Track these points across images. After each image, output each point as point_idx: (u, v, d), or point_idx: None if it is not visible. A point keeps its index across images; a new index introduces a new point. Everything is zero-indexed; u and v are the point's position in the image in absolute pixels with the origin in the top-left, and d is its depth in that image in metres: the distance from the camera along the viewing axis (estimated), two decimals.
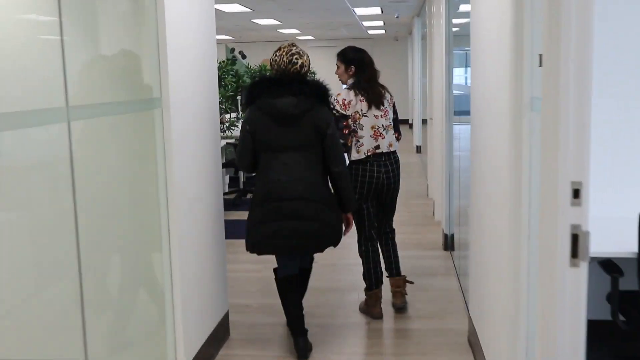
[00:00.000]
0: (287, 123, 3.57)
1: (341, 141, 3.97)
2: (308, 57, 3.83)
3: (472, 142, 3.91)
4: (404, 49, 19.27)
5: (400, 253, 4.58)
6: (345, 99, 4.13)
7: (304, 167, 3.61)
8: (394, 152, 4.30)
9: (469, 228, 4.04)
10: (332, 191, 3.78)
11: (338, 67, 4.31)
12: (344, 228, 3.88)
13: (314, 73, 14.81)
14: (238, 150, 3.73)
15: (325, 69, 20.38)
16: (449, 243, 5.95)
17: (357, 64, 4.23)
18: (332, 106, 3.99)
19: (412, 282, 4.59)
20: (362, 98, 4.14)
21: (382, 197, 4.31)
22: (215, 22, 3.95)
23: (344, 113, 4.11)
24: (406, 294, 4.49)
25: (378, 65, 4.35)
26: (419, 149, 12.89)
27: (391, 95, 4.32)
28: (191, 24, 3.47)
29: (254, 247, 3.70)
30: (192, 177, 3.46)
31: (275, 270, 3.91)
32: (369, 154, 4.16)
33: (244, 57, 20.65)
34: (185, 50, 3.35)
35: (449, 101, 5.92)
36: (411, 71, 17.84)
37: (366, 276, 4.34)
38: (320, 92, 3.66)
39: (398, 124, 4.35)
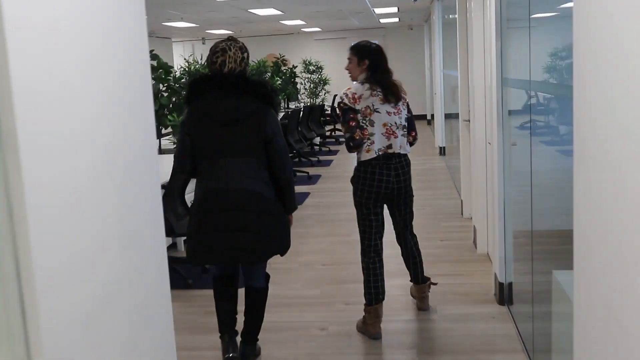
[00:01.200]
0: (226, 127, 3.34)
1: (347, 135, 3.85)
2: (240, 51, 3.43)
3: (578, 151, 2.31)
4: (419, 38, 17.68)
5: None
6: (355, 93, 3.90)
7: (244, 174, 3.37)
8: (405, 155, 4.01)
9: (576, 282, 2.45)
10: (275, 197, 3.51)
11: (350, 61, 4.04)
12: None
13: (321, 68, 13.41)
14: (176, 154, 3.50)
15: (334, 63, 18.95)
16: (505, 294, 4.37)
17: (372, 58, 3.98)
18: (340, 100, 3.93)
19: (435, 284, 4.47)
20: (375, 92, 3.90)
21: (395, 204, 4.09)
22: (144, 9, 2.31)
23: (352, 106, 3.88)
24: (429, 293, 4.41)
25: (391, 56, 4.11)
26: (442, 151, 11.32)
27: (405, 94, 4.05)
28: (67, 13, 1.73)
29: (192, 258, 3.49)
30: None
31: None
32: (380, 153, 3.89)
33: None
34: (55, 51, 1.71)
35: (500, 99, 4.33)
36: (429, 62, 16.30)
37: (365, 290, 4.05)
38: (266, 93, 3.39)
39: (414, 123, 4.11)
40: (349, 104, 3.89)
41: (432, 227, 6.42)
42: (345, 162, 11.41)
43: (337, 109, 4.01)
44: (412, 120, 4.09)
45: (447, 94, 10.48)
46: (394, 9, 13.10)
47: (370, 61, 3.97)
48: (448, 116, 10.41)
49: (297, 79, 13.53)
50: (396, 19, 15.69)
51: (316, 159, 11.52)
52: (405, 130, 3.99)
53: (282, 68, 13.26)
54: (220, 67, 3.39)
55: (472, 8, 5.68)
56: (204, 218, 3.40)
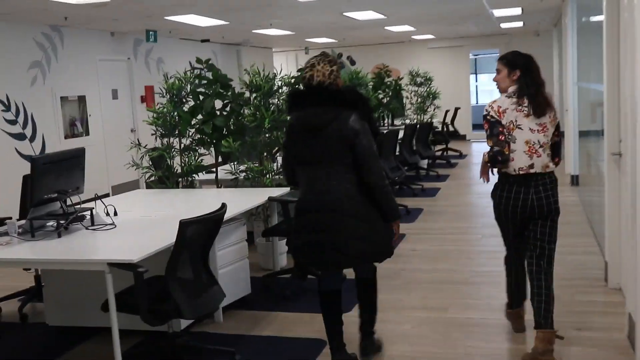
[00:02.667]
0: (313, 135, 3.55)
1: (496, 149, 3.72)
2: (327, 64, 3.58)
3: None
4: (547, 46, 15.50)
5: None
6: (500, 107, 3.77)
7: (330, 179, 3.53)
8: (550, 173, 3.79)
9: None
10: (370, 201, 3.57)
11: (499, 72, 3.88)
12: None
13: (430, 79, 11.71)
14: (281, 164, 4.17)
15: (448, 74, 17.13)
16: None
17: (523, 69, 3.79)
18: (486, 112, 3.80)
19: (562, 338, 3.80)
20: (520, 107, 3.73)
21: (534, 225, 3.80)
22: None
23: (498, 119, 3.74)
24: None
25: None
26: (574, 181, 9.30)
27: (555, 112, 3.80)
28: None
29: (294, 256, 3.86)
30: None
31: (318, 281, 3.90)
32: (520, 172, 3.73)
33: (352, 63, 17.95)
34: None
35: None
36: (558, 72, 14.11)
37: (508, 296, 4.16)
38: (346, 100, 3.53)
39: (560, 146, 3.87)
40: (495, 116, 3.76)
41: (561, 302, 4.44)
42: (457, 192, 9.66)
43: (484, 121, 3.84)
44: (558, 145, 3.85)
45: (583, 110, 8.51)
46: (517, 10, 11.16)
47: (521, 72, 3.80)
48: (584, 135, 8.43)
49: (402, 92, 11.85)
50: (520, 23, 13.67)
51: (420, 186, 9.75)
52: (549, 149, 3.78)
53: (386, 80, 11.63)
54: (309, 80, 3.58)
55: (627, 5, 3.87)
56: (299, 221, 3.66)
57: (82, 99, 10.09)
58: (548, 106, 3.75)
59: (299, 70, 6.46)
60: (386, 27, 12.68)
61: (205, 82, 6.06)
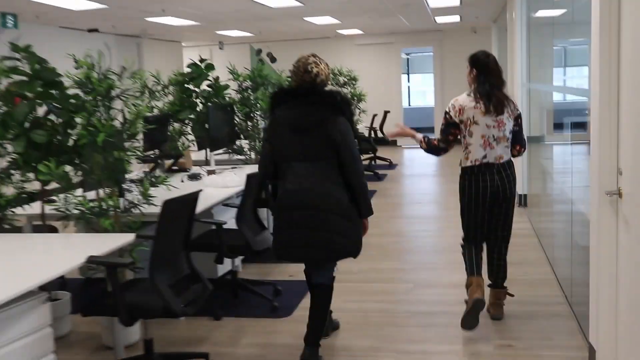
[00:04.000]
0: (300, 133, 3.64)
1: (442, 145, 4.20)
2: (327, 66, 3.82)
3: None
4: (486, 43, 14.10)
5: None
6: (461, 105, 4.11)
7: (317, 176, 3.64)
8: (506, 162, 4.15)
9: None
10: (349, 199, 3.69)
11: (467, 69, 4.21)
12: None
13: (354, 79, 10.13)
14: (260, 159, 3.93)
15: (378, 73, 15.52)
16: None
17: (479, 67, 4.12)
18: (447, 110, 4.19)
19: (512, 295, 4.43)
20: (478, 105, 4.07)
21: (495, 208, 4.21)
22: None
23: (455, 121, 4.12)
24: (504, 305, 4.39)
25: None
26: (523, 201, 7.81)
27: (515, 107, 4.18)
28: None
29: (275, 253, 3.83)
30: None
31: (305, 274, 3.95)
32: (476, 163, 4.11)
33: (273, 60, 16.07)
34: None
35: None
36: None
37: (467, 267, 4.26)
38: (334, 102, 3.66)
39: (522, 136, 4.26)
40: (453, 117, 4.14)
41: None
42: (385, 215, 7.93)
43: (443, 115, 4.21)
44: (519, 134, 4.21)
45: (534, 114, 7.10)
46: (455, 1, 9.65)
47: (477, 71, 4.11)
48: (534, 142, 6.96)
49: None
50: (456, 18, 12.21)
51: None
52: (508, 142, 4.14)
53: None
54: (316, 77, 3.70)
55: None
56: (282, 216, 3.72)
57: None
58: (504, 106, 4.08)
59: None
60: (305, 18, 10.99)
61: (26, 78, 4.19)
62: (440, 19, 12.21)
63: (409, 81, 17.75)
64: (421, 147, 4.28)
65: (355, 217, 3.72)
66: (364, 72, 13.26)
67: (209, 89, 6.80)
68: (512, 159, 4.22)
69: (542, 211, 6.78)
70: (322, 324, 3.84)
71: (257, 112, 6.87)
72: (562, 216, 5.31)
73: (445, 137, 4.16)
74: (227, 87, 6.91)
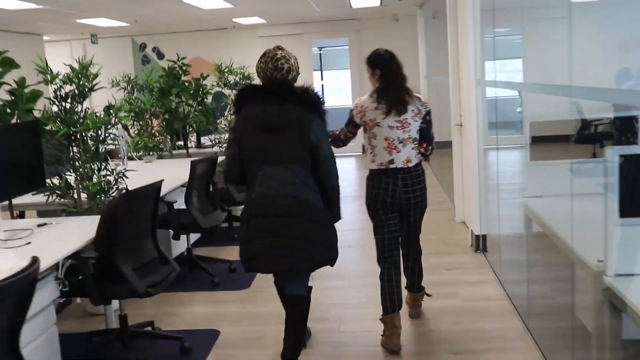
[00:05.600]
0: (272, 133, 3.43)
1: (342, 135, 4.05)
2: (296, 60, 3.61)
3: None
4: (410, 33, 12.11)
5: None
6: (362, 106, 3.96)
7: (290, 181, 3.41)
8: (414, 167, 3.95)
9: None
10: (323, 204, 3.53)
11: (367, 72, 4.05)
12: None
13: (248, 78, 7.83)
14: (226, 160, 3.62)
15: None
16: None
17: (383, 68, 3.95)
18: (352, 107, 4.00)
19: (430, 295, 4.44)
20: (378, 107, 3.90)
21: (402, 214, 4.03)
22: None
23: (356, 121, 3.99)
24: (421, 304, 4.42)
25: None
26: (480, 244, 5.73)
27: (423, 104, 3.96)
28: None
29: (244, 263, 3.55)
30: None
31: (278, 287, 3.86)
32: (381, 167, 3.94)
33: (160, 56, 13.67)
34: None
35: None
36: (425, 67, 10.75)
37: (381, 299, 3.97)
38: (310, 100, 3.48)
39: (429, 134, 4.01)
40: (355, 117, 3.98)
41: None
42: None
43: (348, 113, 4.05)
44: (425, 132, 3.98)
45: (497, 120, 5.07)
46: None
47: (381, 71, 3.94)
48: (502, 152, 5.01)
49: (209, 99, 7.72)
50: (376, 2, 10.01)
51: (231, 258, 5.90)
52: (414, 143, 3.94)
53: (182, 79, 7.49)
54: (287, 73, 3.49)
55: None
56: (252, 224, 3.45)
57: None
58: (406, 104, 3.87)
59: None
60: (188, 1, 8.52)
61: None
62: (356, 3, 9.99)
63: (322, 79, 15.47)
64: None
65: (331, 223, 3.55)
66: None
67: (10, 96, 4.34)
68: (421, 163, 4.04)
69: (513, 259, 4.87)
70: (301, 337, 3.71)
71: (95, 132, 4.43)
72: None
73: (345, 133, 4.07)
74: (39, 94, 4.45)
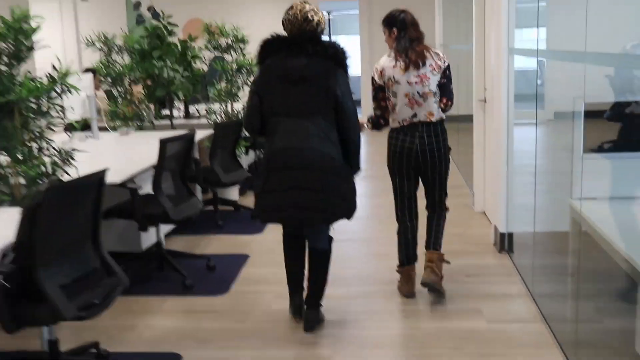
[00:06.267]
0: (296, 86, 3.40)
1: (377, 112, 3.98)
2: (323, 15, 3.54)
3: None
4: None
5: None
6: (380, 66, 3.93)
7: (312, 134, 3.38)
8: (438, 122, 3.90)
9: None
10: (345, 158, 3.53)
11: (384, 34, 3.98)
12: None
13: (242, 41, 6.97)
14: (245, 112, 3.60)
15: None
16: None
17: (399, 26, 3.89)
18: (372, 75, 3.99)
19: (448, 262, 4.15)
20: (395, 63, 3.86)
21: (423, 172, 3.99)
22: None
23: (380, 83, 3.94)
24: (440, 275, 4.01)
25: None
26: (506, 243, 4.85)
27: (441, 58, 3.90)
28: None
29: (259, 215, 3.56)
30: None
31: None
32: (404, 123, 3.89)
33: (156, 15, 12.75)
34: None
35: None
36: (442, 34, 9.81)
37: (399, 254, 4.10)
38: (336, 54, 3.45)
39: (449, 89, 3.92)
40: (378, 81, 3.94)
41: None
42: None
43: (371, 84, 4.02)
44: (445, 87, 3.91)
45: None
46: None
47: (398, 30, 3.88)
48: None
49: (198, 64, 6.77)
50: None
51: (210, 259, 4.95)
52: (436, 97, 3.87)
53: (168, 40, 6.56)
54: (317, 26, 3.47)
55: None
56: (271, 176, 3.44)
57: None
58: (424, 58, 3.82)
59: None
60: None
61: None
62: None
63: None
64: (368, 128, 4.08)
65: (350, 177, 3.57)
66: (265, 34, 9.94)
67: None
68: (443, 118, 3.95)
69: (549, 266, 4.04)
70: (323, 287, 3.70)
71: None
72: None
73: (377, 104, 4.00)
74: None
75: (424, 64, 3.82)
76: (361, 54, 12.11)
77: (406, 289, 4.06)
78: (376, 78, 3.94)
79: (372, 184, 7.26)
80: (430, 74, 3.84)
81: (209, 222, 5.87)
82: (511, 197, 4.79)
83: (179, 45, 6.59)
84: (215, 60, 6.51)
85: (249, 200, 6.50)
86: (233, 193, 6.59)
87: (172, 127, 6.67)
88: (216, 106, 6.69)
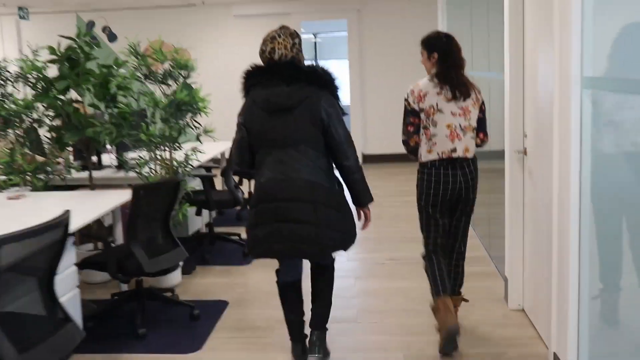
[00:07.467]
0: (280, 116, 3.32)
1: (404, 138, 3.76)
2: (291, 37, 3.42)
3: None
4: (428, 13, 9.44)
5: None
6: (422, 90, 3.68)
7: (301, 164, 3.31)
8: (472, 159, 3.75)
9: None
10: (339, 187, 3.45)
11: (422, 55, 3.80)
12: (361, 224, 3.55)
13: (186, 67, 5.17)
14: (234, 145, 3.56)
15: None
16: None
17: (441, 51, 3.71)
18: (406, 96, 3.73)
19: (467, 300, 4.02)
20: (440, 90, 3.64)
21: (456, 209, 3.80)
22: None
23: (415, 108, 3.69)
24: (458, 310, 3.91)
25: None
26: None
27: (479, 94, 3.77)
28: None
29: (251, 250, 3.48)
30: None
31: (277, 272, 3.61)
32: (443, 156, 3.68)
33: (112, 37, 11.12)
34: None
35: None
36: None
37: (432, 286, 3.75)
38: (318, 77, 3.35)
39: (485, 124, 3.82)
40: (412, 104, 3.70)
41: None
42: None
43: (404, 107, 3.77)
44: (482, 122, 3.80)
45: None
46: None
47: (439, 54, 3.71)
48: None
49: (128, 97, 4.98)
50: None
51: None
52: (474, 132, 3.74)
53: (89, 68, 4.78)
54: (270, 54, 3.37)
55: None
56: (261, 209, 3.34)
57: None
58: (470, 88, 3.68)
59: None
60: None
61: None
62: None
63: None
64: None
65: (346, 207, 3.42)
66: (248, 57, 8.12)
67: None
68: (476, 156, 3.79)
69: None
70: (328, 307, 3.61)
71: None
72: None
73: (405, 129, 3.75)
74: None
75: (468, 96, 3.64)
76: (350, 79, 10.39)
77: (451, 322, 3.55)
78: (411, 101, 3.67)
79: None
80: (471, 108, 3.68)
81: (127, 327, 4.06)
82: (587, 312, 3.03)
83: (99, 72, 4.80)
84: (141, 94, 4.69)
85: (197, 286, 4.68)
86: (169, 278, 4.76)
87: (91, 183, 4.88)
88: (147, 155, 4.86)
